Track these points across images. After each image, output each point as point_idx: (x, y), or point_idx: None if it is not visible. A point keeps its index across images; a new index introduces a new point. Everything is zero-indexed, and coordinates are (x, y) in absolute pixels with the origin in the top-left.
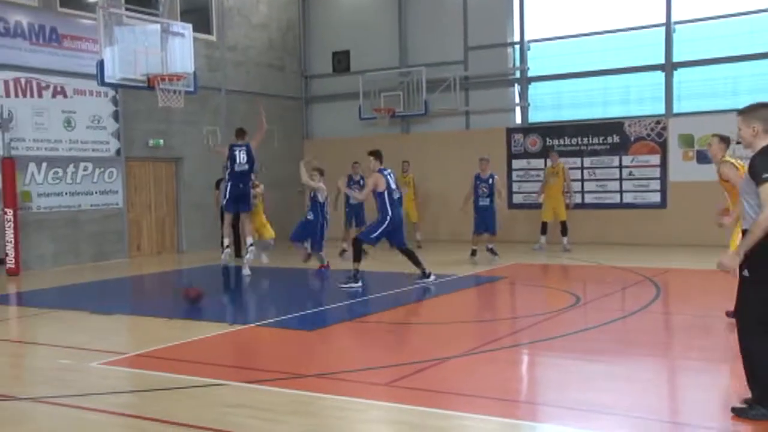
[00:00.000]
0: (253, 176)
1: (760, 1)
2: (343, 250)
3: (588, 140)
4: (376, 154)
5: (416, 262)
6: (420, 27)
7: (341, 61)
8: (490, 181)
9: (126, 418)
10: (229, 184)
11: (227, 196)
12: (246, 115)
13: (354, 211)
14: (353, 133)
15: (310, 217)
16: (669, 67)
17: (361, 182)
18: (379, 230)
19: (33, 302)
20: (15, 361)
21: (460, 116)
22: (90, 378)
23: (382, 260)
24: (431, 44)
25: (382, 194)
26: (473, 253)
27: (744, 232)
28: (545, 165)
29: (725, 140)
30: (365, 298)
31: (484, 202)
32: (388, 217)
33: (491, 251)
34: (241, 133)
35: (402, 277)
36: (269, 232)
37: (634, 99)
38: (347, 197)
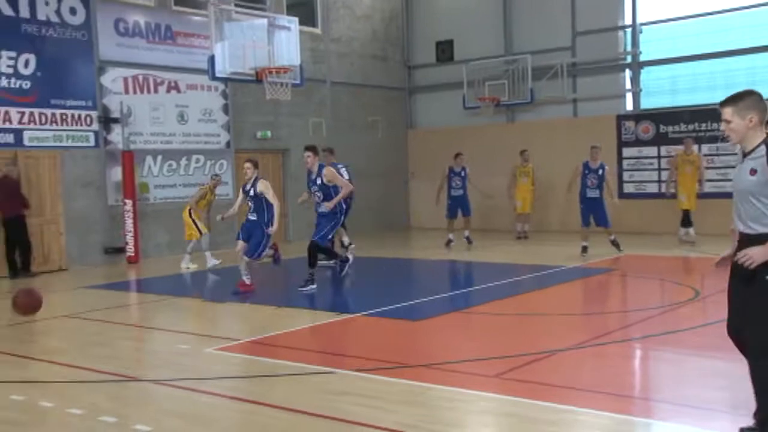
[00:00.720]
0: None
1: None
2: (449, 241)
3: (706, 126)
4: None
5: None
6: (526, 13)
7: (445, 51)
8: (600, 171)
9: (238, 402)
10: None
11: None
12: (349, 107)
13: (458, 203)
14: (457, 123)
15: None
16: None
17: (463, 174)
18: (334, 230)
19: (151, 289)
20: (137, 345)
21: (567, 104)
22: (205, 363)
23: (493, 251)
24: (537, 31)
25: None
26: (584, 249)
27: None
28: (658, 153)
29: None
30: (472, 288)
31: (593, 194)
32: (342, 217)
33: (614, 243)
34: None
35: (513, 267)
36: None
37: (760, 80)
38: (449, 189)
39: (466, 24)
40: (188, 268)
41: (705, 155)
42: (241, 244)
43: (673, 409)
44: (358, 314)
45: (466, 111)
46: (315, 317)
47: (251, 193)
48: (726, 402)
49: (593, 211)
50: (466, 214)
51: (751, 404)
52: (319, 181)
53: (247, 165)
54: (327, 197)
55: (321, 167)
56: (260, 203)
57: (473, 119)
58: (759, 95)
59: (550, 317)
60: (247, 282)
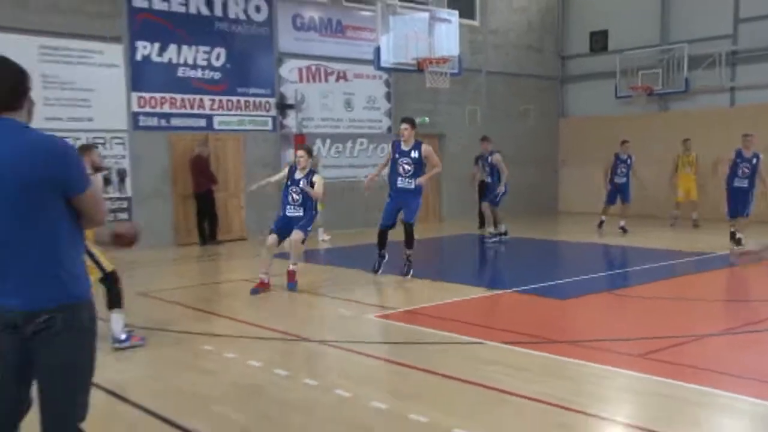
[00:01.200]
0: None
1: None
2: (601, 222)
3: None
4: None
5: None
6: (684, 1)
7: (599, 41)
8: (754, 160)
9: (393, 364)
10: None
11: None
12: (504, 96)
13: (620, 190)
14: (609, 112)
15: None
16: None
17: (629, 161)
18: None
19: (319, 260)
20: (307, 310)
21: (724, 93)
22: (366, 328)
23: (646, 236)
24: (696, 19)
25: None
26: (737, 240)
27: None
28: None
29: None
30: (621, 271)
31: (742, 183)
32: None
33: (732, 237)
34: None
35: (666, 253)
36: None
37: None
38: (613, 175)
39: (621, 14)
40: (324, 240)
41: None
42: (273, 237)
43: None
44: (509, 290)
45: (618, 100)
46: (468, 291)
47: (301, 184)
48: None
49: (738, 201)
50: (625, 200)
51: None
52: (414, 154)
53: (300, 153)
54: (417, 173)
55: (418, 143)
56: (307, 198)
57: (625, 108)
58: None
59: (700, 302)
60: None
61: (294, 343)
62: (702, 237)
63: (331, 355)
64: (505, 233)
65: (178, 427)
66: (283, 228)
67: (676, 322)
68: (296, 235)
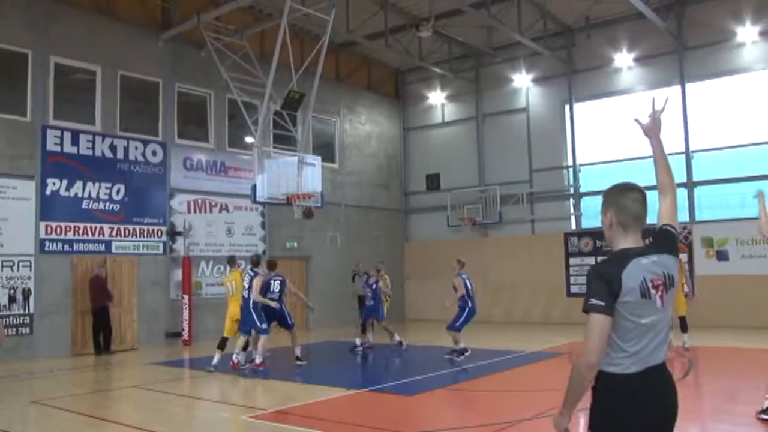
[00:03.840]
0: None
1: (760, 135)
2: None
3: None
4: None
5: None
6: (495, 154)
7: (433, 181)
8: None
9: None
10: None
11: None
12: (360, 224)
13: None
14: (443, 237)
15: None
16: (690, 185)
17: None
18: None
19: (200, 366)
20: (186, 412)
21: (527, 224)
22: (241, 428)
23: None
24: (504, 167)
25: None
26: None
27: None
28: (595, 261)
29: None
30: (453, 369)
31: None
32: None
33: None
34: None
35: (486, 352)
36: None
37: None
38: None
39: (449, 161)
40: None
41: None
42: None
43: None
44: (365, 390)
45: (449, 228)
46: (330, 392)
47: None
48: None
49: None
50: None
51: None
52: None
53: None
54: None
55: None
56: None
57: (455, 235)
58: (618, 187)
59: (518, 392)
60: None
61: None
62: (506, 336)
63: None
64: (400, 343)
65: None
66: None
67: (501, 410)
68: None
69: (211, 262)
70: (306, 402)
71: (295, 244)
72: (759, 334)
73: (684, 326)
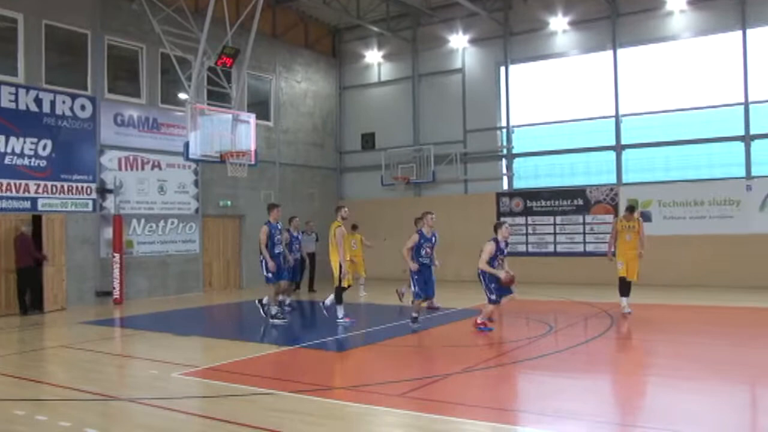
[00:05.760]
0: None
1: (686, 102)
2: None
3: (559, 203)
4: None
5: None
6: (430, 114)
7: (368, 141)
8: (433, 239)
9: (196, 417)
10: None
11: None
12: (294, 182)
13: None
14: (376, 196)
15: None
16: (618, 148)
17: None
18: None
19: (131, 325)
20: (117, 371)
21: (460, 183)
22: (172, 385)
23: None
24: (438, 127)
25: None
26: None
27: None
28: (526, 221)
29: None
30: (384, 326)
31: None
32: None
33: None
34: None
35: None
36: None
37: (594, 171)
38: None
39: (385, 121)
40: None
41: (558, 224)
42: None
43: (535, 418)
44: (296, 346)
45: (383, 187)
46: (261, 349)
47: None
48: (576, 411)
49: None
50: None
51: (597, 413)
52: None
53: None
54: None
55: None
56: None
57: (389, 194)
58: None
59: (445, 347)
60: None
61: (106, 403)
62: (449, 295)
63: (140, 411)
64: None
65: None
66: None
67: (427, 365)
68: None
69: (142, 220)
70: (238, 359)
71: (229, 202)
72: (676, 291)
73: (628, 290)
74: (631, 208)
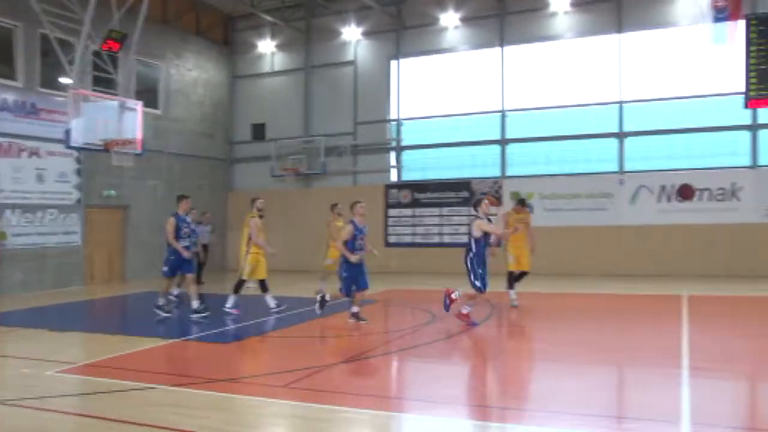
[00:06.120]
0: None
1: (566, 99)
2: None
3: (445, 194)
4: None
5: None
6: (321, 106)
7: (259, 131)
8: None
9: (70, 416)
10: None
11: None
12: (182, 173)
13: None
14: (266, 187)
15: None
16: (503, 142)
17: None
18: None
19: (3, 322)
20: None
21: (350, 175)
22: (46, 384)
23: (294, 287)
24: (330, 119)
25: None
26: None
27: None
28: (414, 213)
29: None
30: (271, 318)
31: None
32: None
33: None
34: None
35: (294, 300)
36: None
37: (479, 164)
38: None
39: (275, 112)
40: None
41: (444, 215)
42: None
43: (417, 404)
44: (180, 339)
45: (273, 178)
46: (145, 343)
47: None
48: (456, 396)
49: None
50: None
51: (471, 396)
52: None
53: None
54: None
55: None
56: None
57: (279, 185)
58: None
59: (330, 338)
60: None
61: None
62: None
63: (7, 414)
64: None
65: None
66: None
67: (312, 356)
68: None
69: (18, 211)
70: (120, 354)
71: (113, 192)
72: (556, 281)
73: (516, 282)
74: (522, 201)
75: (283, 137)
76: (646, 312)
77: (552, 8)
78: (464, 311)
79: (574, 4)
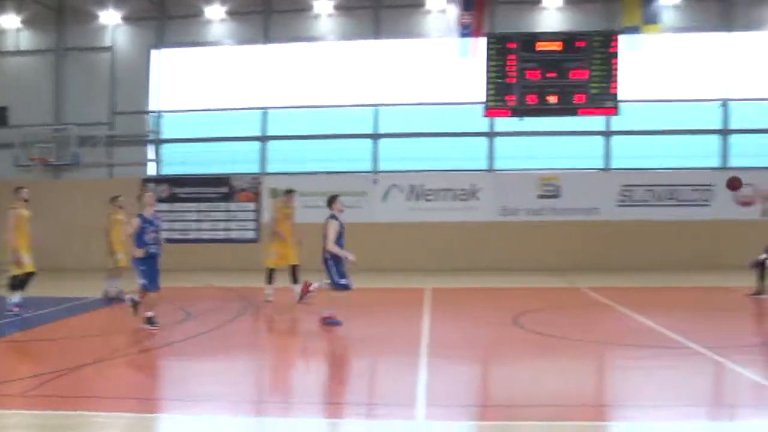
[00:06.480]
0: None
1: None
2: None
3: (205, 189)
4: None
5: None
6: (75, 92)
7: (0, 116)
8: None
9: None
10: None
11: None
12: None
13: None
14: (8, 177)
15: None
16: (264, 139)
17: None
18: None
19: None
20: None
21: (104, 167)
22: None
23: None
24: (84, 107)
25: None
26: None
27: None
28: (172, 208)
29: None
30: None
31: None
32: None
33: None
34: None
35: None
36: None
37: (240, 160)
38: None
39: (21, 95)
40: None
41: (203, 211)
42: None
43: (173, 404)
44: None
45: (17, 168)
46: None
47: None
48: (213, 393)
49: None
50: None
51: (232, 393)
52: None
53: None
54: None
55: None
56: None
57: (23, 175)
58: None
59: (76, 339)
60: None
61: None
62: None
63: None
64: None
65: None
66: None
67: (55, 359)
68: None
69: None
70: None
71: None
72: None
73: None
74: (290, 191)
75: (30, 123)
76: (392, 304)
77: (316, 10)
78: (326, 314)
79: (337, 7)
